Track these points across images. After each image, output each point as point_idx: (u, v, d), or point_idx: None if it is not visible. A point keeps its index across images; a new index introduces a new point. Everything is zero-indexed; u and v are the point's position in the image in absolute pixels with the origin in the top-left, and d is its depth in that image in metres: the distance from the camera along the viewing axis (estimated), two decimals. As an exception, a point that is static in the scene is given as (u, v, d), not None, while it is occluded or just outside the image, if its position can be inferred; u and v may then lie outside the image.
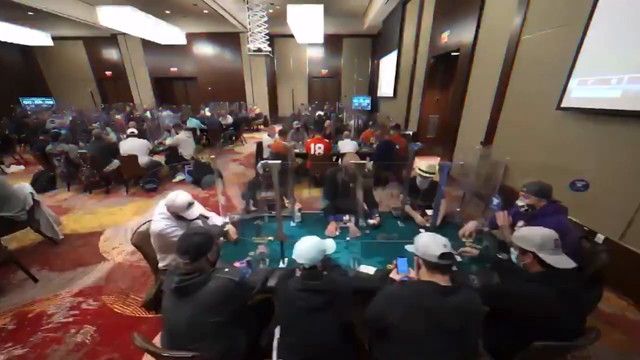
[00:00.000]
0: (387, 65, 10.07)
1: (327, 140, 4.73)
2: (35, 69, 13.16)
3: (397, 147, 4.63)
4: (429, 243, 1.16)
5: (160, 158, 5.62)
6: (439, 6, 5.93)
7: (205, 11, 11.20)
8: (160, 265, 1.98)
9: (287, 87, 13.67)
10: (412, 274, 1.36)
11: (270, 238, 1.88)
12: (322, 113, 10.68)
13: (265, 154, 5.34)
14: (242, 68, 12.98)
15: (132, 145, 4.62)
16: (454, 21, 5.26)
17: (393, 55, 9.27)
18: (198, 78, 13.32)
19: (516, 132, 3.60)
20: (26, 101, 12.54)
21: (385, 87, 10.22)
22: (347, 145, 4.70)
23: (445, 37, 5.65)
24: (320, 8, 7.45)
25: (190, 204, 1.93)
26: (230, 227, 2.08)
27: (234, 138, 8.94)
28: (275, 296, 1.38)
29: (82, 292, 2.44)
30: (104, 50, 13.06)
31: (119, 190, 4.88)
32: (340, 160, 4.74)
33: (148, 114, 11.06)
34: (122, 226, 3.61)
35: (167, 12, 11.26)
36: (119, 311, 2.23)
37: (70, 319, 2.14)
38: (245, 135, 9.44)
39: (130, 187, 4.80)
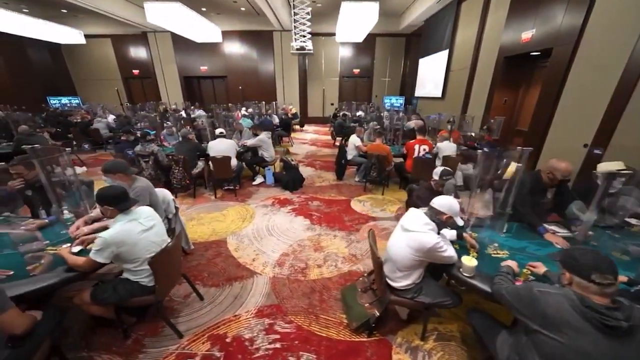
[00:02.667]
0: (432, 65, 9.90)
1: (431, 142, 4.53)
2: (62, 68, 12.80)
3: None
4: None
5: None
6: (517, 6, 5.74)
7: (243, 9, 10.98)
8: (405, 283, 1.77)
9: (318, 87, 13.45)
10: None
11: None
12: (362, 113, 10.51)
13: (351, 155, 5.15)
14: (274, 67, 12.75)
15: (223, 146, 4.38)
16: (544, 20, 5.09)
17: (441, 55, 9.10)
18: (228, 77, 13.05)
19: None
20: (53, 100, 12.20)
21: (430, 87, 10.05)
22: (447, 147, 4.51)
23: (527, 37, 5.48)
24: (376, 5, 7.27)
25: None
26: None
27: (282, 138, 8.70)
28: None
29: (262, 311, 2.22)
30: (132, 48, 12.74)
31: (203, 194, 4.65)
32: (437, 162, 4.55)
33: (183, 113, 10.82)
34: (239, 234, 3.39)
35: (203, 9, 11.01)
36: (324, 334, 2.01)
37: (277, 345, 1.93)
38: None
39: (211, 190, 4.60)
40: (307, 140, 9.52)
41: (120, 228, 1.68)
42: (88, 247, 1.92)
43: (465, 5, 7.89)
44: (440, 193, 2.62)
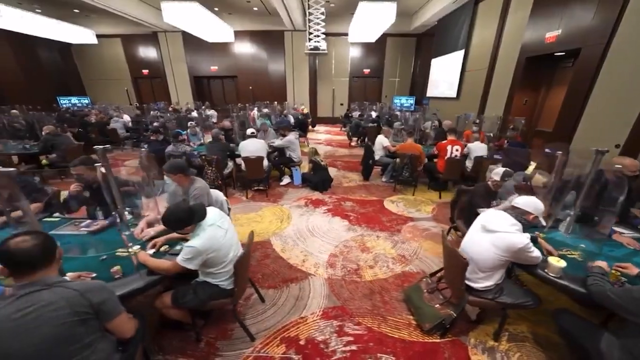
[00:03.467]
0: (446, 65, 9.90)
1: (462, 143, 4.52)
2: (71, 68, 12.75)
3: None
4: None
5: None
6: (541, 6, 5.74)
7: (255, 8, 10.96)
8: (487, 284, 1.76)
9: (327, 87, 13.43)
10: None
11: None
12: (375, 113, 10.48)
13: (378, 155, 5.13)
14: (285, 67, 12.73)
15: (255, 147, 4.36)
16: (571, 20, 5.08)
17: (456, 56, 9.10)
18: (238, 77, 13.02)
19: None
20: (63, 100, 12.14)
21: (444, 88, 10.05)
22: (479, 148, 4.50)
23: (551, 37, 5.48)
24: (393, 6, 7.26)
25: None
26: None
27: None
28: None
29: (327, 313, 2.20)
30: (142, 48, 12.72)
31: (233, 194, 4.63)
32: (468, 163, 4.54)
33: (195, 113, 10.78)
34: (281, 234, 3.37)
35: (216, 9, 10.97)
36: (396, 336, 2.00)
37: (353, 347, 1.91)
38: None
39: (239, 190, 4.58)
40: (322, 141, 9.49)
41: (207, 235, 1.65)
42: (162, 249, 1.90)
43: (483, 5, 7.88)
44: (495, 194, 2.61)
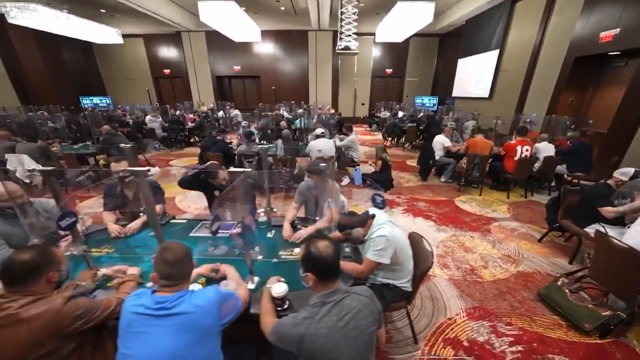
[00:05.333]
0: (475, 65, 9.92)
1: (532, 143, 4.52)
2: (93, 68, 12.67)
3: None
4: None
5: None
6: (596, 5, 5.73)
7: (282, 8, 10.93)
8: None
9: (349, 87, 13.42)
10: None
11: None
12: (403, 113, 10.48)
13: (438, 155, 5.13)
14: (308, 67, 12.71)
15: (326, 146, 4.34)
16: (634, 18, 5.07)
17: (489, 56, 9.12)
18: (261, 77, 12.99)
19: None
20: (85, 100, 12.07)
21: (474, 88, 10.07)
22: (547, 148, 4.51)
23: (607, 36, 5.49)
24: (431, 6, 7.25)
25: None
26: None
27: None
28: None
29: (471, 314, 2.19)
30: (164, 47, 12.65)
31: (291, 194, 4.59)
32: (536, 163, 4.54)
33: (222, 113, 10.75)
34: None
35: (243, 8, 10.92)
36: (554, 336, 1.99)
37: (519, 347, 1.90)
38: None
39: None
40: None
41: (388, 227, 1.67)
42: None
43: (521, 5, 7.90)
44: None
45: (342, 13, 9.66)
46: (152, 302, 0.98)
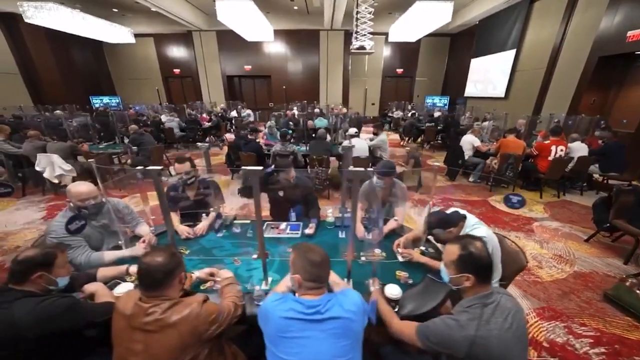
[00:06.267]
0: (490, 65, 9.92)
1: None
2: (103, 67, 12.62)
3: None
4: None
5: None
6: (623, 3, 5.70)
7: (295, 7, 10.90)
8: None
9: (359, 87, 13.41)
10: None
11: None
12: (439, 113, 10.41)
13: (467, 155, 5.11)
14: (319, 67, 12.68)
15: (360, 146, 4.32)
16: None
17: (505, 55, 9.11)
18: (272, 77, 12.95)
19: None
20: (95, 99, 12.01)
21: (488, 88, 10.07)
22: (580, 148, 4.49)
23: (637, 34, 5.45)
24: (450, 5, 7.22)
25: None
26: None
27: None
28: None
29: (541, 314, 2.17)
30: (174, 47, 12.60)
31: (334, 195, 4.57)
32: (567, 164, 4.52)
33: (235, 112, 10.71)
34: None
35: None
36: (633, 337, 1.97)
37: (602, 349, 1.87)
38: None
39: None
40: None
41: (485, 227, 1.65)
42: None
43: (539, 4, 7.89)
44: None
45: (357, 12, 9.64)
46: (304, 307, 0.95)
